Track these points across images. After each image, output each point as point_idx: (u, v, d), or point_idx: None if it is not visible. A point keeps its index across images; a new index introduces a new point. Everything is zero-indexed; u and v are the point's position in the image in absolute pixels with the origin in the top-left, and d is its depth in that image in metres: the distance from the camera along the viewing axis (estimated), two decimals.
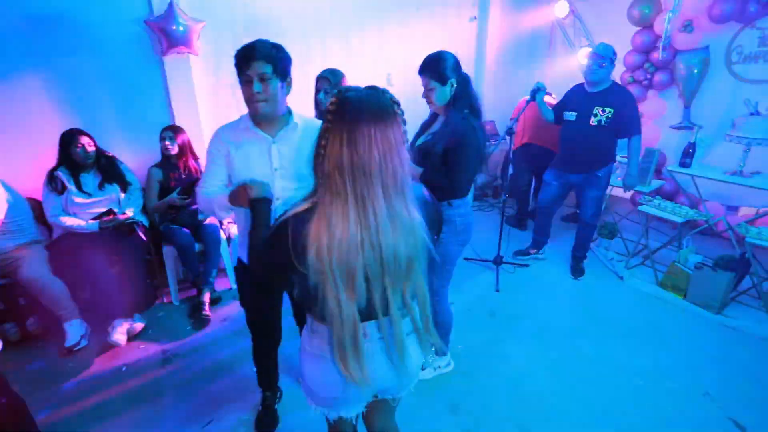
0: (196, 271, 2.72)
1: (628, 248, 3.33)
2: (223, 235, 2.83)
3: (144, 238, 2.59)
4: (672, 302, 2.76)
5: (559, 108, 2.95)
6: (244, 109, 1.43)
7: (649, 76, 3.88)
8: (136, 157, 2.84)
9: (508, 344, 2.39)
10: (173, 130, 2.71)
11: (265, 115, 1.36)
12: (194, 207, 2.77)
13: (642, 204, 3.07)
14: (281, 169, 1.42)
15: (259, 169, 1.40)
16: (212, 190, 1.47)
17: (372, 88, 0.89)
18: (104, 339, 2.33)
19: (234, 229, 2.92)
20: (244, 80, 1.32)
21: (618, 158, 3.36)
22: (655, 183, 3.29)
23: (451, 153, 1.67)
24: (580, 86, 2.86)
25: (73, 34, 2.51)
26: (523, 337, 2.45)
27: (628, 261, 3.21)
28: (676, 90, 3.80)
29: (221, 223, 2.91)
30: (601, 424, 1.87)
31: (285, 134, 1.42)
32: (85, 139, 2.42)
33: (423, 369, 1.13)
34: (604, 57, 2.64)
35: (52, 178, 2.38)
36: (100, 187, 2.50)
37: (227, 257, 2.93)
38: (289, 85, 1.42)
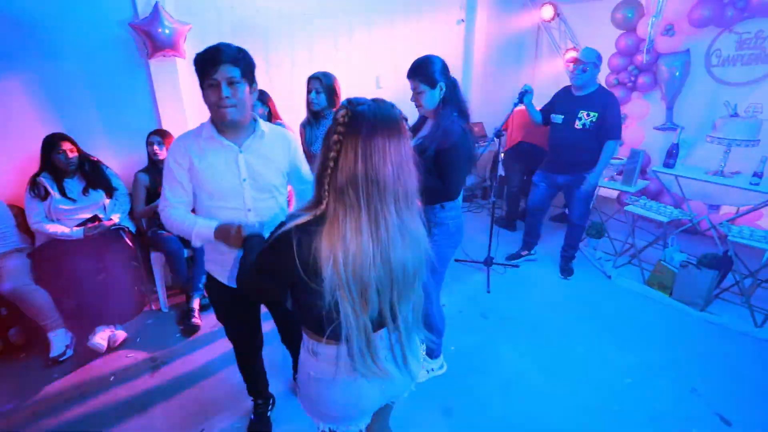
0: (185, 277, 2.68)
1: (616, 248, 3.39)
2: None
3: (131, 244, 2.54)
4: (659, 300, 2.82)
5: (546, 110, 2.99)
6: None
7: (632, 79, 3.96)
8: (121, 161, 2.79)
9: (500, 345, 2.41)
10: (161, 135, 2.67)
11: (233, 121, 1.30)
12: None
13: (628, 204, 3.12)
14: (250, 179, 1.36)
15: (226, 181, 1.34)
16: (179, 211, 1.38)
17: (380, 101, 0.89)
18: (89, 348, 2.27)
19: None
20: (209, 84, 1.25)
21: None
22: (641, 183, 3.35)
23: (443, 155, 1.68)
24: (567, 89, 2.91)
25: (55, 37, 2.45)
26: (515, 337, 2.47)
27: (615, 260, 3.27)
28: (659, 92, 3.88)
29: None
30: (591, 422, 1.90)
31: (252, 143, 1.36)
32: (66, 145, 2.36)
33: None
34: (586, 62, 2.69)
35: (34, 184, 2.32)
36: (85, 192, 2.44)
37: None
38: (255, 91, 1.35)
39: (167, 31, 2.63)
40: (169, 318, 2.69)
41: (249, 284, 1.04)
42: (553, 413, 1.94)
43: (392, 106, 0.90)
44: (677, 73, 3.63)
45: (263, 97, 2.63)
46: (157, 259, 2.67)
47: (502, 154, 3.69)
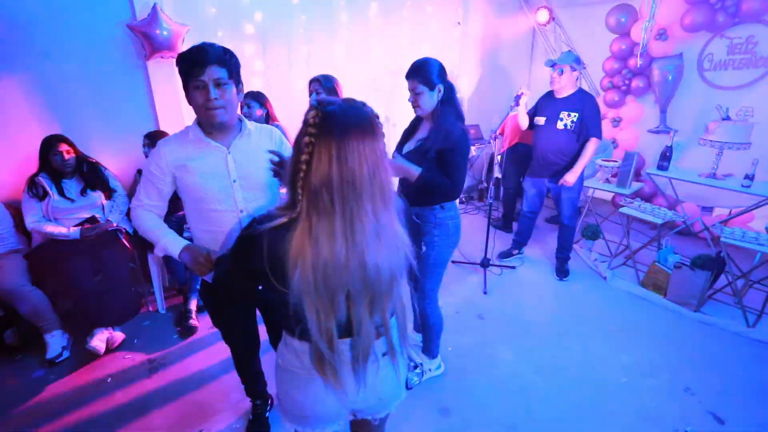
0: (183, 278, 2.68)
1: (611, 249, 3.42)
2: None
3: (128, 245, 2.54)
4: (653, 301, 2.85)
5: (531, 114, 3.05)
6: None
7: (627, 82, 4.02)
8: (119, 162, 2.79)
9: (496, 345, 2.43)
10: (151, 138, 2.65)
11: (222, 123, 1.28)
12: (179, 213, 2.73)
13: (623, 206, 3.16)
14: (240, 180, 1.34)
15: (216, 183, 1.32)
16: (152, 216, 1.39)
17: (351, 101, 0.86)
18: (86, 350, 2.26)
19: None
20: (195, 86, 1.22)
21: (599, 161, 3.47)
22: (635, 185, 3.39)
23: (447, 154, 1.70)
24: (549, 93, 2.98)
25: (53, 38, 2.46)
26: (511, 338, 2.49)
27: (610, 262, 3.30)
28: (652, 95, 3.94)
29: None
30: (587, 422, 1.91)
31: (239, 143, 1.35)
32: (63, 146, 2.36)
33: (409, 388, 1.10)
34: (562, 65, 2.77)
35: (33, 184, 2.31)
36: (83, 193, 2.44)
37: None
38: (241, 91, 1.33)
39: (165, 33, 2.64)
40: (167, 319, 2.69)
41: (224, 283, 1.06)
42: (549, 412, 1.96)
43: (363, 104, 0.87)
44: (670, 77, 3.68)
45: (261, 99, 2.64)
46: (154, 260, 2.67)
47: (499, 157, 3.72)
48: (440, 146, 1.69)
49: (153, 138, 2.64)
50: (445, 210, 1.85)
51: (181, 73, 1.24)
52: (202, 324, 2.60)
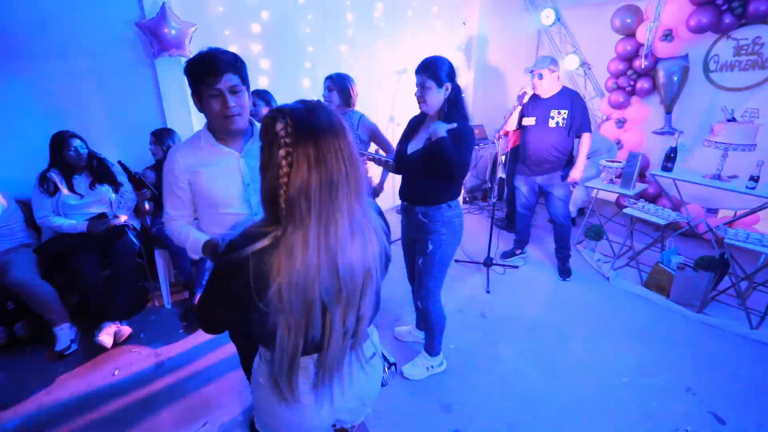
0: (189, 274, 2.72)
1: (614, 250, 3.42)
2: None
3: (136, 241, 2.58)
4: (656, 302, 2.85)
5: (519, 117, 3.07)
6: None
7: (632, 83, 4.01)
8: (127, 159, 2.81)
9: (498, 344, 2.44)
10: (156, 135, 2.69)
11: (239, 129, 1.29)
12: None
13: (627, 207, 3.16)
14: (254, 183, 1.33)
15: (230, 188, 1.32)
16: (178, 224, 1.39)
17: (307, 102, 0.83)
18: (94, 343, 2.30)
19: None
20: (210, 95, 1.22)
21: (603, 162, 3.47)
22: (639, 186, 3.39)
23: (455, 143, 1.71)
24: (535, 95, 2.99)
25: (64, 36, 2.50)
26: (514, 336, 2.51)
27: (614, 262, 3.30)
28: (658, 96, 3.93)
29: None
30: (587, 420, 1.93)
31: (252, 147, 1.35)
32: (76, 142, 2.41)
33: (384, 385, 1.08)
34: (540, 70, 2.81)
35: (44, 179, 2.36)
36: (91, 186, 2.49)
37: None
38: (250, 95, 1.34)
39: (173, 31, 2.68)
40: (173, 314, 2.72)
41: (203, 316, 0.96)
42: (550, 410, 1.97)
43: (318, 102, 0.85)
44: (675, 78, 3.68)
45: (266, 97, 2.67)
46: (161, 256, 2.70)
47: (503, 157, 3.73)
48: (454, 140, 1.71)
49: (159, 135, 2.68)
50: (451, 208, 1.88)
51: (192, 80, 1.24)
52: None
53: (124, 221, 2.57)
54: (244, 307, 0.86)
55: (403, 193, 1.96)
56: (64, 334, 2.30)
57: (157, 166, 2.73)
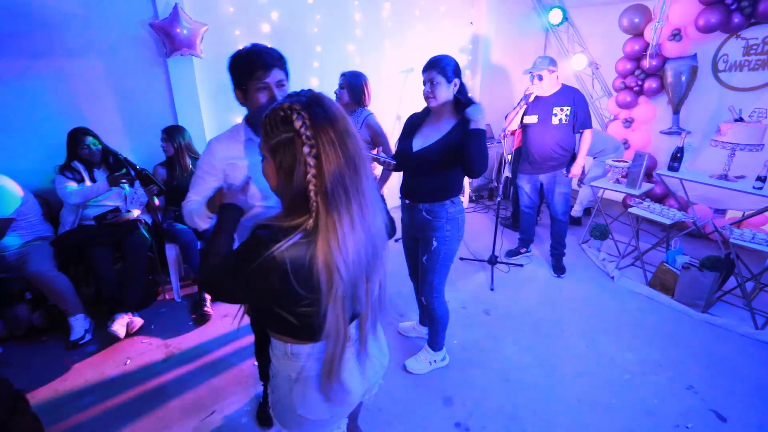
0: (198, 268, 2.78)
1: (620, 249, 3.42)
2: None
3: (147, 236, 2.65)
4: (660, 301, 2.85)
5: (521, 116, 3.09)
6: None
7: (639, 83, 4.00)
8: (139, 155, 2.91)
9: (501, 340, 2.47)
10: (167, 133, 2.75)
11: None
12: None
13: (632, 206, 3.16)
14: None
15: (263, 181, 1.34)
16: (194, 205, 1.40)
17: (308, 92, 0.86)
18: (107, 333, 2.38)
19: None
20: (258, 88, 1.27)
21: (609, 161, 3.47)
22: (646, 186, 3.39)
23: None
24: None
25: (81, 36, 2.59)
26: (517, 333, 2.53)
27: (618, 262, 3.30)
28: (665, 96, 3.92)
29: None
30: (588, 416, 1.95)
31: None
32: (89, 139, 2.49)
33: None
34: (539, 71, 2.84)
35: (69, 168, 2.46)
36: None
37: None
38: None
39: (185, 31, 2.74)
40: (182, 307, 2.79)
41: (218, 287, 0.95)
42: (551, 405, 1.99)
43: (310, 90, 0.88)
44: (684, 78, 3.66)
45: None
46: (171, 250, 2.77)
47: (509, 156, 3.75)
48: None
49: (170, 132, 2.75)
50: (455, 204, 1.91)
51: (239, 74, 1.27)
52: (216, 312, 2.70)
53: (137, 216, 2.64)
54: (285, 300, 0.87)
55: (407, 190, 1.98)
56: (79, 324, 2.38)
57: (168, 163, 2.80)
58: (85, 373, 2.19)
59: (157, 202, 2.79)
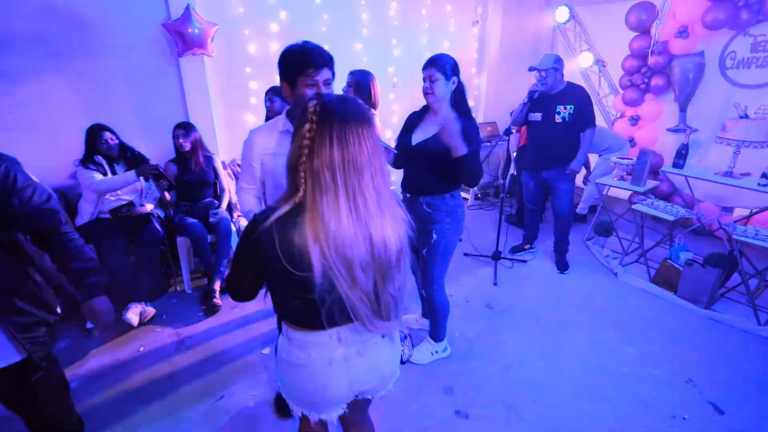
0: (208, 261, 2.87)
1: (624, 246, 3.43)
2: (233, 227, 2.98)
3: (160, 229, 2.75)
4: (663, 297, 2.87)
5: (525, 113, 3.10)
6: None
7: (646, 80, 4.00)
8: (152, 152, 2.99)
9: (503, 333, 2.51)
10: (185, 128, 2.85)
11: None
12: (205, 201, 2.94)
13: (636, 203, 3.17)
14: None
15: None
16: (249, 197, 1.56)
17: (346, 97, 0.94)
18: (122, 322, 2.48)
19: (244, 222, 3.07)
20: (306, 84, 1.34)
21: (614, 158, 3.48)
22: (651, 183, 3.39)
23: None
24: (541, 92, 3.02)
25: (96, 36, 2.69)
26: (518, 327, 2.57)
27: (622, 258, 3.31)
28: (672, 94, 3.90)
29: (232, 216, 3.06)
30: (585, 406, 1.98)
31: None
32: (107, 134, 2.60)
33: (402, 362, 1.15)
34: (546, 70, 2.85)
35: (92, 161, 2.56)
36: None
37: None
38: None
39: (197, 31, 2.83)
40: (193, 299, 2.88)
41: (229, 278, 1.07)
42: (549, 395, 2.04)
43: (356, 99, 0.95)
44: (690, 75, 3.65)
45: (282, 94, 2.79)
46: (183, 243, 2.87)
47: (514, 153, 3.77)
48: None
49: (187, 128, 2.85)
50: (455, 198, 1.96)
51: (290, 68, 1.36)
52: (225, 303, 2.78)
53: (150, 210, 2.74)
54: (268, 276, 0.95)
55: (407, 184, 2.04)
56: None
57: (178, 159, 2.89)
58: (101, 359, 2.29)
59: (168, 197, 2.88)
